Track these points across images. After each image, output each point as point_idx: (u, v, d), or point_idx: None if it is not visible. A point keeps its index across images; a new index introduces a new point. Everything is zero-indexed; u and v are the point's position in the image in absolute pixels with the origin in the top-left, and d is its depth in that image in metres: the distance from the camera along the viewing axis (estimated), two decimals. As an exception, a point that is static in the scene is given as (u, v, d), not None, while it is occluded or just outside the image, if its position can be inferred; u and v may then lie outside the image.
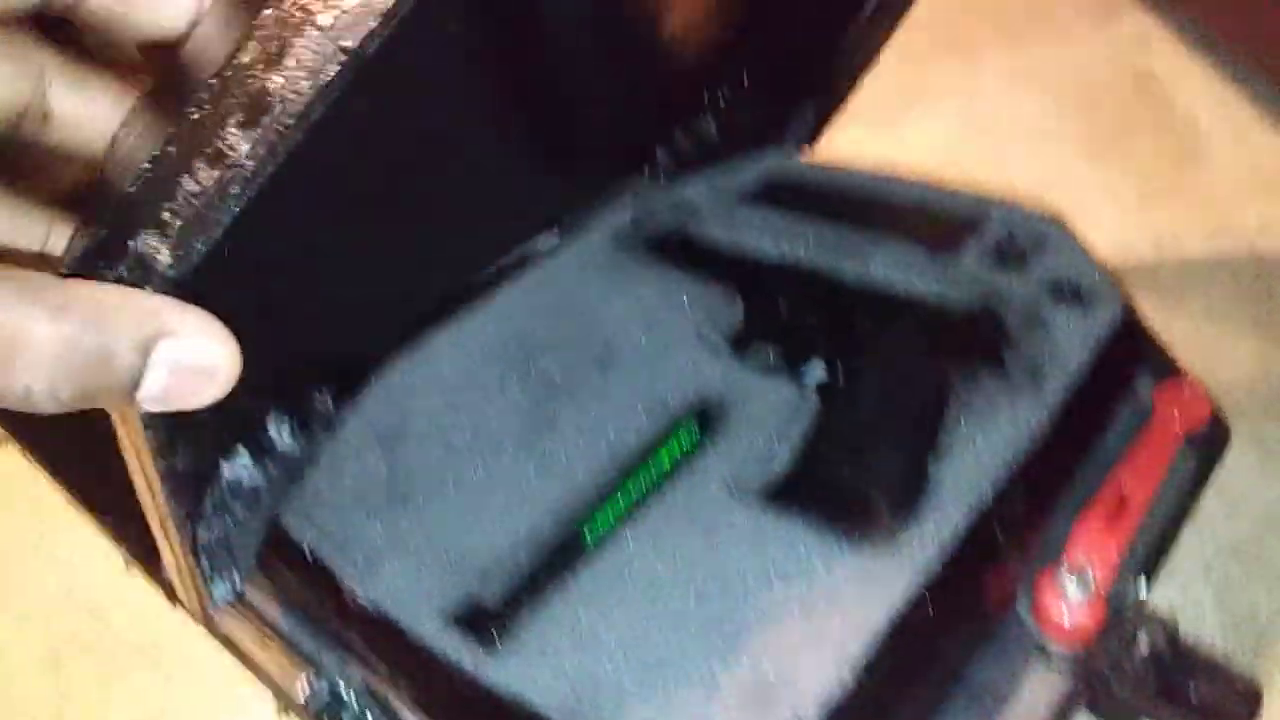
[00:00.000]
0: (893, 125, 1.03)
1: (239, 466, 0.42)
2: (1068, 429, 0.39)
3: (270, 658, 0.45)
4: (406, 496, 0.41)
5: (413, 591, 0.37)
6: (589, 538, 0.39)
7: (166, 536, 0.40)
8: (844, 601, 0.34)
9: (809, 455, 0.40)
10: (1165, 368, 0.44)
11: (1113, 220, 0.85)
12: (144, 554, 0.51)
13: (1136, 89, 1.02)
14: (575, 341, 0.48)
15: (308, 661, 0.41)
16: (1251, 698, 0.35)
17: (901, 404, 0.41)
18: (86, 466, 0.53)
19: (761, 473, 0.39)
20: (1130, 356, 0.43)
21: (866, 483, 0.37)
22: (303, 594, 0.41)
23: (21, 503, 0.66)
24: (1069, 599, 0.36)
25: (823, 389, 0.43)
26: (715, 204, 0.57)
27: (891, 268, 0.49)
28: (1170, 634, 0.36)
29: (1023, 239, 0.48)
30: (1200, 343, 0.71)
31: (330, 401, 0.45)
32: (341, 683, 0.40)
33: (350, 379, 0.46)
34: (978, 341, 0.44)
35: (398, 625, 0.37)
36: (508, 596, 0.37)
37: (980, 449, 0.38)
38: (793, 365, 0.45)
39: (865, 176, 0.57)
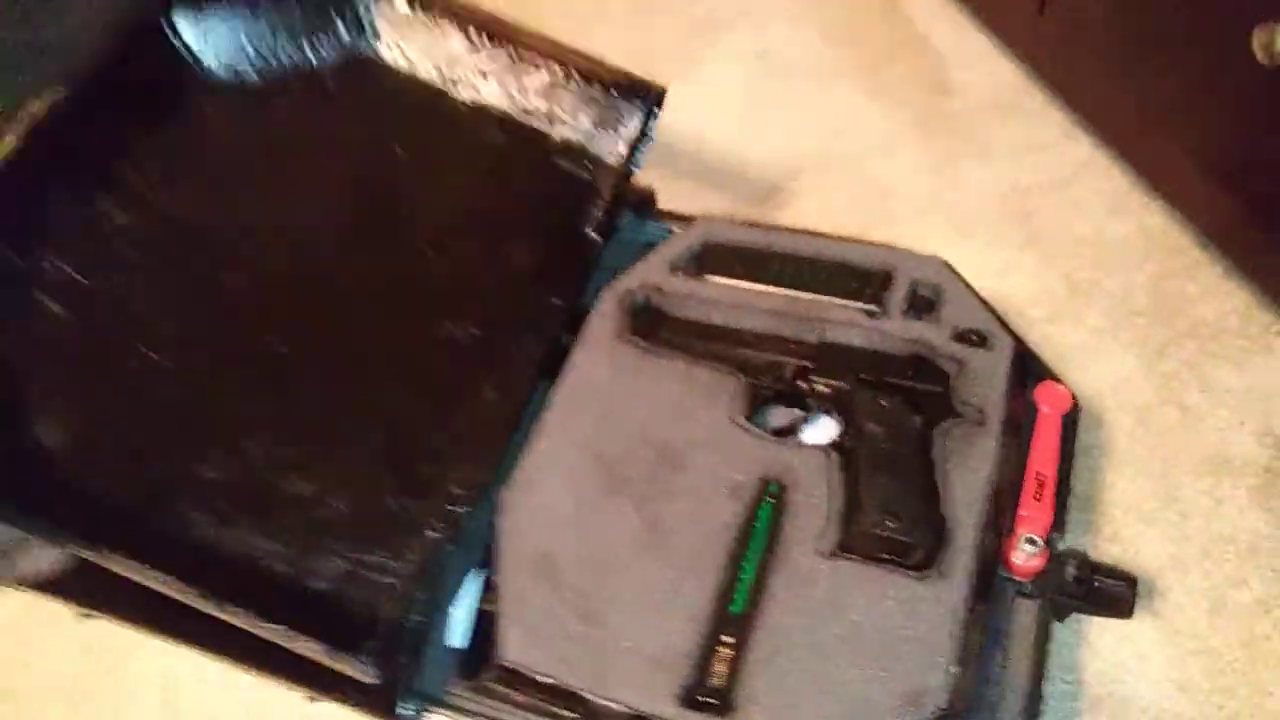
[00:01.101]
0: (694, 68, 1.16)
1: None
2: (1006, 443, 0.60)
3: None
4: (588, 616, 0.55)
5: (642, 687, 0.53)
6: (736, 609, 0.55)
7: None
8: (923, 615, 0.53)
9: (853, 510, 0.58)
10: (1038, 372, 0.65)
11: (903, 156, 1.05)
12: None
13: (885, 15, 1.20)
14: (639, 448, 0.62)
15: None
16: (1131, 581, 0.59)
17: (902, 455, 0.59)
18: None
19: (829, 531, 0.57)
20: (1021, 374, 0.64)
21: (907, 532, 0.56)
22: (542, 708, 0.54)
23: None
24: (1026, 556, 0.58)
25: (836, 446, 0.61)
26: (665, 273, 0.70)
27: (843, 331, 0.66)
28: (1081, 559, 0.59)
29: (926, 291, 0.66)
30: (982, 265, 0.94)
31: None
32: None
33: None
34: (926, 385, 0.62)
35: (641, 715, 0.52)
36: (709, 671, 0.53)
37: (966, 479, 0.58)
38: (803, 424, 0.63)
39: (785, 236, 0.72)
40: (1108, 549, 0.73)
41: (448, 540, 0.57)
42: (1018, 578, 0.58)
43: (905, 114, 1.08)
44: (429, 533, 0.57)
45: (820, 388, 0.64)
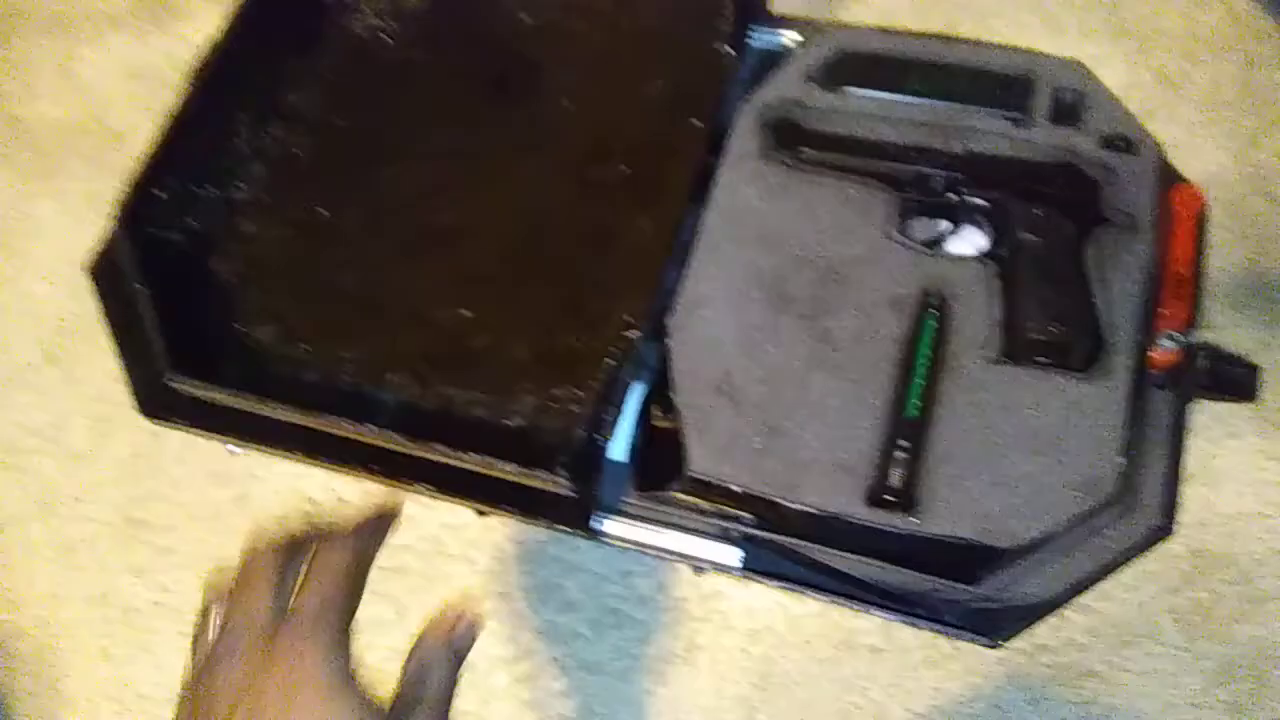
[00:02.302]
0: None
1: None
2: (1155, 248, 0.62)
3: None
4: (771, 428, 0.59)
5: (833, 491, 0.57)
6: (910, 414, 0.59)
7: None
8: (1090, 411, 0.57)
9: (1015, 317, 0.60)
10: (1170, 176, 0.66)
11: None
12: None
13: None
14: (799, 267, 0.63)
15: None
16: (1253, 368, 0.63)
17: (1058, 262, 0.61)
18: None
19: (992, 338, 0.60)
20: (1164, 179, 0.65)
21: (1069, 335, 0.59)
22: (731, 514, 0.59)
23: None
24: (1165, 351, 0.61)
25: (992, 256, 0.63)
26: (803, 87, 0.69)
27: (990, 140, 0.66)
28: (1212, 351, 0.63)
29: (1069, 96, 0.66)
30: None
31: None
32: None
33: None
34: (1077, 192, 0.64)
35: (833, 515, 0.57)
36: (890, 471, 0.57)
37: (1121, 282, 0.60)
38: (951, 234, 0.65)
39: (920, 42, 0.70)
40: (1202, 336, 0.77)
41: (624, 366, 0.60)
42: (1160, 370, 0.62)
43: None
44: (606, 361, 0.59)
45: (971, 199, 0.65)
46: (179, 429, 0.64)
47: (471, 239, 0.68)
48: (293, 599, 0.41)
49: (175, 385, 0.60)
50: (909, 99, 0.68)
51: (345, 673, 0.38)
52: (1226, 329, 0.78)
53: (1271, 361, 0.75)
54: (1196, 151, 0.86)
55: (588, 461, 0.59)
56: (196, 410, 0.63)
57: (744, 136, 0.68)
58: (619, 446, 0.63)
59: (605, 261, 0.65)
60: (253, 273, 0.68)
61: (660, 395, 0.62)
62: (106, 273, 0.65)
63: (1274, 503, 0.74)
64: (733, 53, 0.69)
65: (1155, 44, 0.91)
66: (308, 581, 0.41)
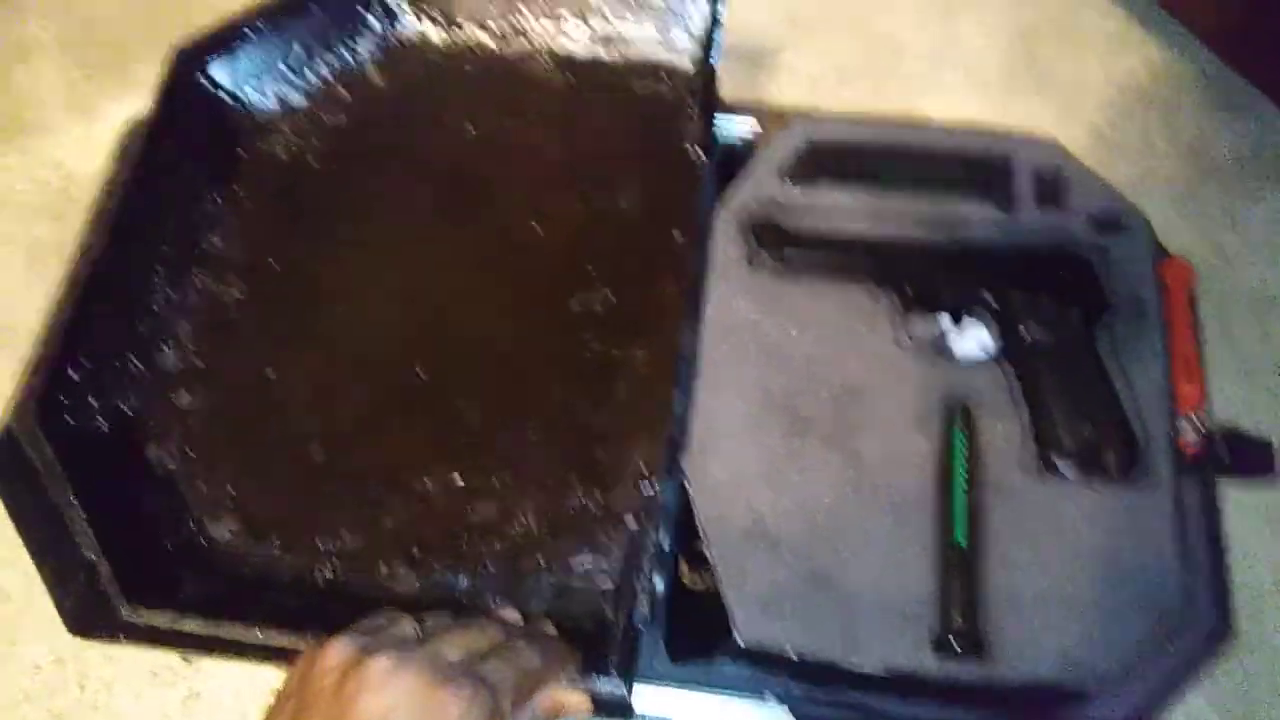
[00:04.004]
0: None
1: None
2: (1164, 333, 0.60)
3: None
4: (817, 577, 0.53)
5: (896, 643, 0.51)
6: (959, 541, 0.54)
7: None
8: (1140, 519, 0.54)
9: (1044, 425, 0.56)
10: (1161, 251, 0.65)
11: (903, 8, 0.99)
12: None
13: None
14: (812, 384, 0.58)
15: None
16: (1267, 444, 0.61)
17: (1075, 358, 0.58)
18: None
19: (1024, 447, 0.56)
20: (1157, 256, 0.63)
21: (1101, 437, 0.55)
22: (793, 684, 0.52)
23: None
24: (1188, 436, 0.59)
25: (1006, 356, 0.59)
26: (777, 184, 0.64)
27: (978, 229, 0.62)
28: (1227, 430, 0.61)
29: (1049, 176, 0.64)
30: (1004, 117, 0.92)
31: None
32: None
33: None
34: (1075, 278, 0.61)
35: (900, 670, 0.51)
36: (952, 612, 0.52)
37: (1142, 372, 0.57)
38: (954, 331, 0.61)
39: (889, 130, 0.67)
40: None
41: (647, 526, 0.52)
42: (1186, 455, 0.59)
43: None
44: (627, 518, 0.52)
45: (971, 293, 0.61)
46: (122, 645, 0.53)
47: (449, 389, 0.58)
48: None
49: (132, 619, 0.49)
50: (887, 191, 0.64)
51: None
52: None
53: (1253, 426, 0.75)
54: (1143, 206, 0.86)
55: (631, 646, 0.50)
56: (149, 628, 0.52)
57: (726, 243, 0.62)
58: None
59: (607, 403, 0.57)
60: (198, 455, 0.57)
61: (684, 546, 0.56)
62: (13, 475, 0.54)
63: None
64: (702, 154, 0.63)
65: (1081, 98, 0.91)
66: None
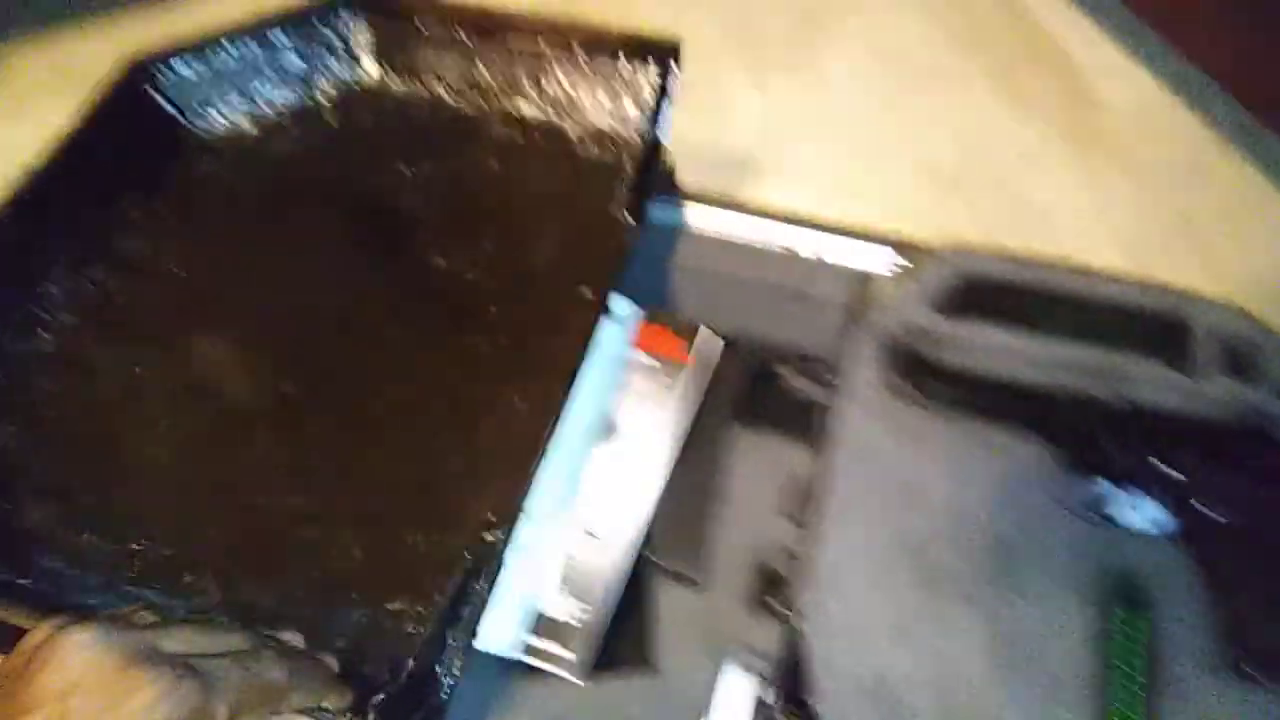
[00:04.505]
0: (808, 61, 1.04)
1: None
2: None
3: None
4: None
5: None
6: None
7: None
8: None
9: (1237, 623, 0.48)
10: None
11: (1053, 171, 0.96)
12: None
13: (1010, 19, 1.10)
14: (956, 536, 0.51)
15: None
16: None
17: (1271, 551, 0.50)
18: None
19: (1209, 642, 0.47)
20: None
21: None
22: None
23: None
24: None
25: (1187, 535, 0.51)
26: (927, 314, 0.59)
27: (1154, 391, 0.56)
28: None
29: (1236, 344, 0.57)
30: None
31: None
32: None
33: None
34: (1268, 458, 0.53)
35: None
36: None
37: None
38: (1126, 501, 0.53)
39: (1050, 272, 0.61)
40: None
41: (479, 577, 0.46)
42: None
43: (1049, 126, 0.99)
44: (460, 567, 0.46)
45: (1136, 455, 0.54)
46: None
47: (311, 411, 0.55)
48: None
49: None
50: (1047, 335, 0.58)
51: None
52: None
53: None
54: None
55: (413, 699, 0.43)
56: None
57: (862, 365, 0.57)
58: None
59: (470, 445, 0.53)
60: (37, 437, 0.54)
61: (783, 694, 0.47)
62: None
63: None
64: (630, 220, 0.59)
65: (1248, 286, 0.85)
66: None
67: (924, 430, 0.54)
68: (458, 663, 0.44)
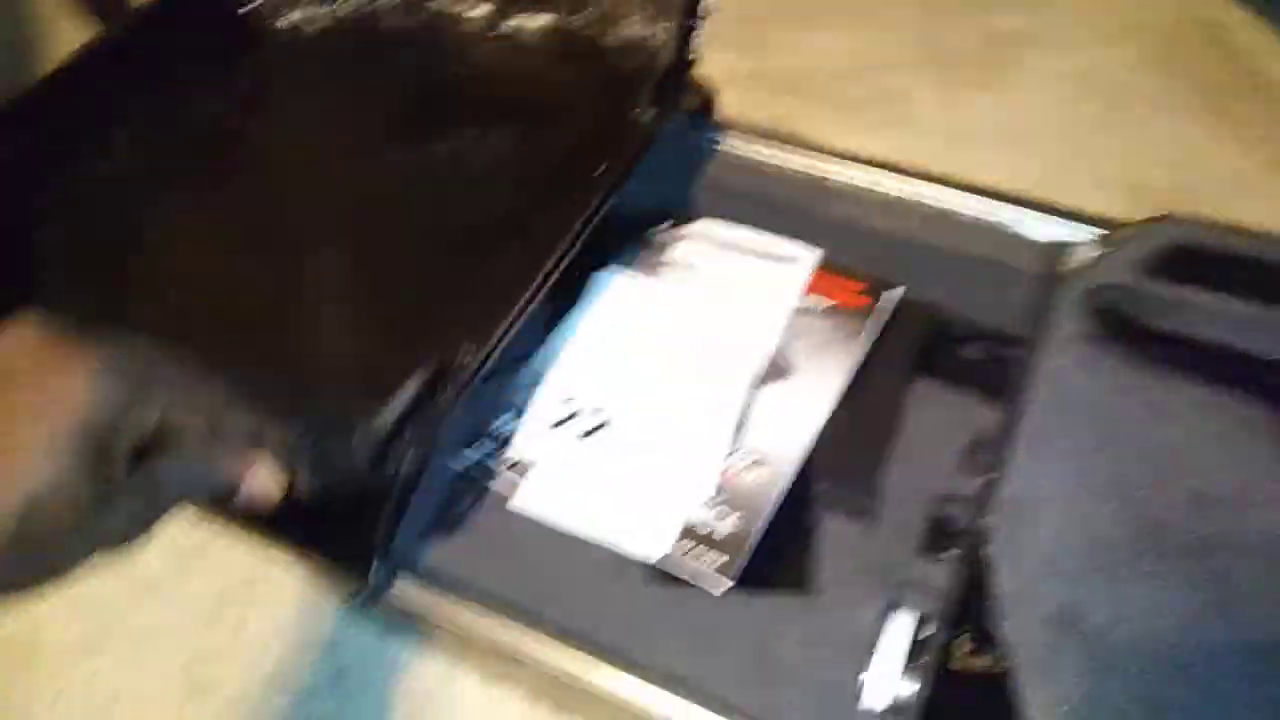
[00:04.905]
0: (1001, 83, 1.02)
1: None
2: None
3: None
4: (1152, 705, 0.40)
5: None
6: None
7: None
8: None
9: None
10: None
11: (1268, 200, 0.90)
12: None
13: (1214, 47, 1.06)
14: (1165, 486, 0.47)
15: None
16: None
17: None
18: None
19: None
20: None
21: None
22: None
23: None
24: None
25: None
26: (1135, 275, 0.56)
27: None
28: None
29: None
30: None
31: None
32: None
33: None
34: None
35: None
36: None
37: None
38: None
39: (1266, 243, 0.57)
40: None
41: (449, 388, 0.49)
42: None
43: (1258, 154, 0.94)
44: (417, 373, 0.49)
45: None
46: None
47: (328, 250, 0.60)
48: None
49: None
50: (1267, 305, 0.54)
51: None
52: None
53: None
54: None
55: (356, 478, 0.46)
56: None
57: (1068, 319, 0.54)
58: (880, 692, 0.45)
59: (460, 278, 0.57)
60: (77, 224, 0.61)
61: (968, 626, 0.45)
62: None
63: None
64: (647, 121, 0.63)
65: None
66: None
67: (1130, 382, 0.51)
68: (409, 458, 0.47)
